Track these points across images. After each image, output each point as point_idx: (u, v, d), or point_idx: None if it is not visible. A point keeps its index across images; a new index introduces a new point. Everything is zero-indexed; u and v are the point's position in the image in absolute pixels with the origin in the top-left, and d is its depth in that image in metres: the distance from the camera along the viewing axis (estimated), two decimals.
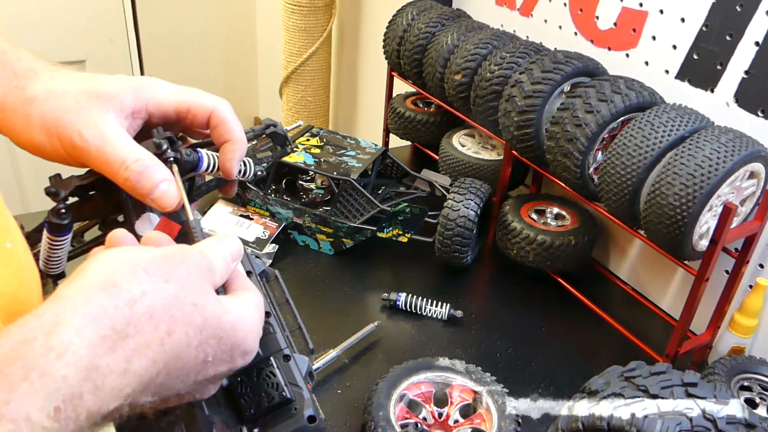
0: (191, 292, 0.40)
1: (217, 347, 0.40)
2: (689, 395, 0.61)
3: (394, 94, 1.51)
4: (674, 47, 0.99)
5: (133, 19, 2.33)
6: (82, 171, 0.56)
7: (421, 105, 1.49)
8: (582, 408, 0.64)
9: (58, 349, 0.33)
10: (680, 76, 0.99)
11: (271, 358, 0.48)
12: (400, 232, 1.12)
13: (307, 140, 1.22)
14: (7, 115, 0.52)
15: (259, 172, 0.66)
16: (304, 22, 2.07)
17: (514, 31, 1.28)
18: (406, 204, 1.10)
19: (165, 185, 0.51)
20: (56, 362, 0.32)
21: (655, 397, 0.61)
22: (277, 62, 2.31)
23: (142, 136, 0.55)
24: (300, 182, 1.21)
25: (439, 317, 1.03)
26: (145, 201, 0.51)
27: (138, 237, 0.52)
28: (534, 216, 1.13)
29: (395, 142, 1.55)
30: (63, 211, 0.52)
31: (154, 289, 0.38)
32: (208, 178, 0.66)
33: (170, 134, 0.55)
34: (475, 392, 0.81)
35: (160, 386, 0.38)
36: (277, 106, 2.39)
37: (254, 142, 0.68)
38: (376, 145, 1.24)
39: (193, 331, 0.39)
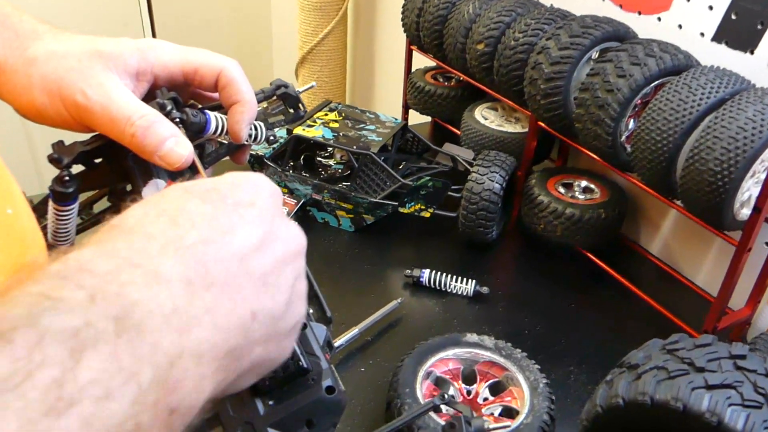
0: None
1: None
2: (738, 368, 0.57)
3: (413, 69, 1.47)
4: (710, 8, 0.94)
5: (147, 2, 2.30)
6: (86, 137, 0.54)
7: (441, 79, 1.45)
8: (622, 383, 0.61)
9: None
10: (717, 38, 0.94)
11: None
12: (423, 207, 1.08)
13: (326, 115, 1.18)
14: (8, 77, 0.50)
15: (271, 137, 0.63)
16: (320, 0, 2.03)
17: None
18: (429, 178, 1.06)
19: (172, 141, 0.48)
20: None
21: (701, 370, 0.57)
22: (292, 43, 2.27)
23: (148, 101, 0.52)
24: (318, 158, 1.18)
25: (465, 294, 0.99)
26: (153, 159, 0.49)
27: None
28: (561, 189, 1.08)
29: (415, 118, 1.51)
30: (67, 178, 0.49)
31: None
32: (218, 145, 0.63)
33: (174, 94, 0.53)
34: (505, 369, 0.78)
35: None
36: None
37: (265, 105, 0.65)
38: (396, 119, 1.20)
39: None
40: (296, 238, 0.38)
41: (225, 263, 0.33)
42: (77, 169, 0.52)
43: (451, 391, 0.77)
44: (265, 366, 0.37)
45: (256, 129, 0.62)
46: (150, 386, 0.26)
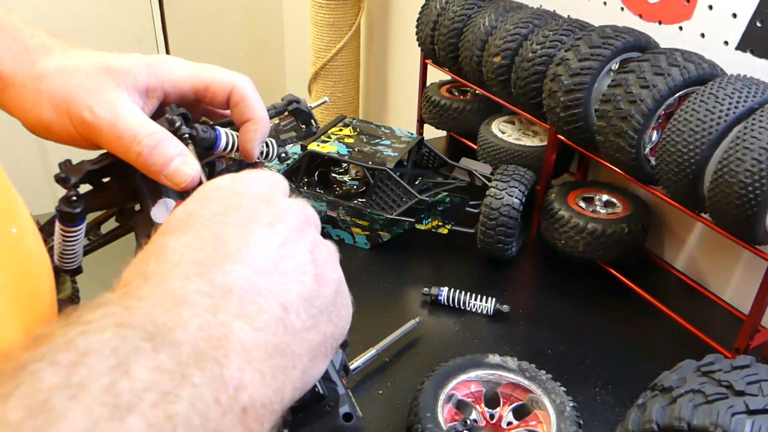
0: None
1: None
2: None
3: (427, 83, 1.45)
4: (734, 16, 0.91)
5: (161, 20, 2.32)
6: (94, 154, 0.53)
7: (456, 93, 1.43)
8: (655, 407, 0.58)
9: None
10: (741, 46, 0.91)
11: None
12: (440, 224, 1.06)
13: (340, 130, 1.17)
14: (17, 91, 0.50)
15: (283, 155, 0.62)
16: (333, 16, 2.02)
17: (555, 10, 1.21)
18: (446, 193, 1.04)
19: (179, 160, 0.47)
20: None
21: (741, 393, 0.54)
22: (305, 59, 2.27)
23: (158, 117, 0.51)
24: (333, 174, 1.16)
25: (485, 312, 0.96)
26: (159, 178, 0.47)
27: (154, 224, 0.48)
28: (582, 204, 1.06)
29: (429, 133, 1.49)
30: (74, 198, 0.48)
31: None
32: (228, 162, 0.62)
33: (184, 110, 0.51)
34: (530, 391, 0.75)
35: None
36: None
37: (276, 121, 0.63)
38: (411, 134, 1.18)
39: None
40: (295, 212, 0.37)
41: (232, 272, 0.32)
42: (85, 188, 0.51)
43: (474, 415, 0.74)
44: (335, 338, 0.36)
45: (267, 146, 0.60)
46: (204, 385, 0.26)
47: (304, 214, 0.38)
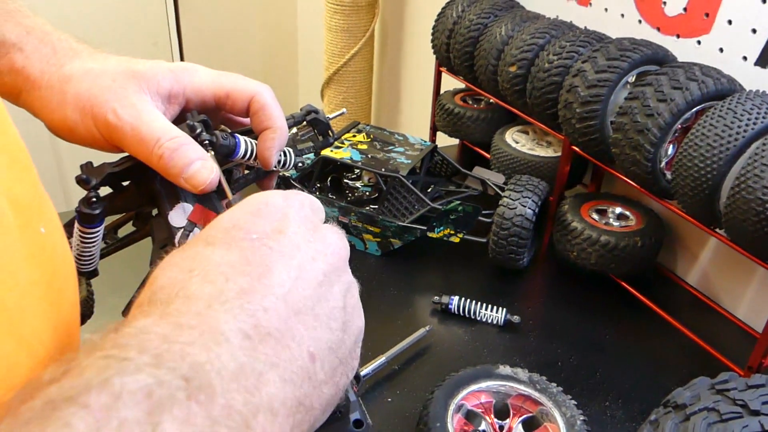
0: None
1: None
2: None
3: (441, 91, 1.45)
4: (754, 31, 0.91)
5: (176, 23, 2.33)
6: (114, 158, 0.53)
7: (470, 102, 1.43)
8: (668, 423, 0.57)
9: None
10: (761, 62, 0.90)
11: None
12: (452, 232, 1.06)
13: (353, 136, 1.17)
14: (43, 93, 0.51)
15: (299, 164, 0.62)
16: (347, 21, 2.03)
17: (572, 21, 1.21)
18: (459, 202, 1.04)
19: (199, 164, 0.48)
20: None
21: (756, 413, 0.53)
22: (318, 64, 2.27)
23: (179, 123, 0.52)
24: (346, 180, 1.16)
25: (495, 322, 0.96)
26: (178, 181, 0.48)
27: (172, 228, 0.48)
28: (595, 216, 1.05)
29: (442, 141, 1.49)
30: (94, 199, 0.49)
31: None
32: (246, 170, 0.62)
33: (205, 117, 0.52)
34: (540, 403, 0.74)
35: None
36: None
37: (294, 131, 0.64)
38: (425, 142, 1.18)
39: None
40: (335, 249, 0.36)
41: (272, 310, 0.30)
42: (104, 191, 0.51)
43: (483, 426, 0.74)
44: (343, 390, 0.35)
45: (285, 155, 0.61)
46: None
47: (345, 249, 0.37)
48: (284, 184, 1.12)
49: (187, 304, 0.29)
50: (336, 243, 0.36)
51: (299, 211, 0.36)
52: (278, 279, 0.32)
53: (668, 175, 0.89)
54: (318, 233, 0.36)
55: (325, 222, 0.39)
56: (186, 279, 0.31)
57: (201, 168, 0.48)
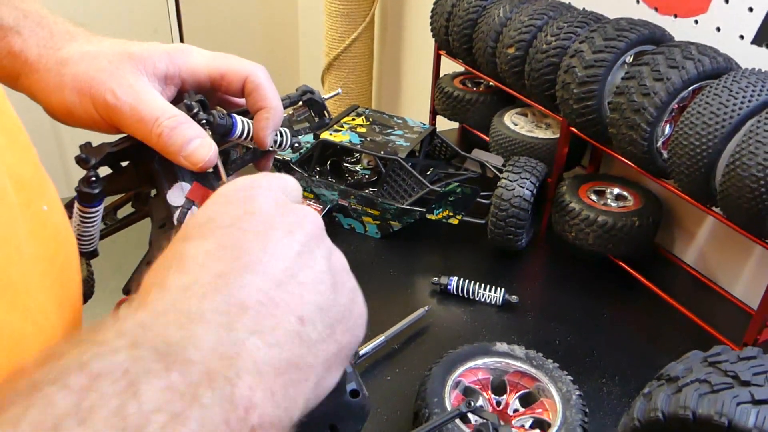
0: None
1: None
2: None
3: (440, 75, 1.46)
4: (750, 10, 0.91)
5: (176, 9, 2.33)
6: (113, 139, 0.54)
7: (469, 84, 1.43)
8: (661, 396, 0.58)
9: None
10: (757, 41, 0.91)
11: None
12: (451, 214, 1.06)
13: (353, 120, 1.17)
14: (41, 75, 0.51)
15: (296, 144, 0.63)
16: (347, 6, 2.02)
17: (569, 2, 1.21)
18: (457, 184, 1.04)
19: (198, 141, 0.49)
20: None
21: (746, 384, 0.54)
22: (318, 50, 2.27)
23: (176, 104, 0.53)
24: (345, 163, 1.17)
25: (493, 302, 0.97)
26: (177, 159, 0.49)
27: (170, 207, 0.49)
28: (593, 197, 1.06)
29: (442, 124, 1.49)
30: (93, 179, 0.50)
31: None
32: (243, 151, 0.63)
33: (202, 97, 0.53)
34: (537, 380, 0.75)
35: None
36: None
37: (290, 112, 0.65)
38: (424, 125, 1.19)
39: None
40: (310, 219, 0.37)
41: (249, 286, 0.31)
42: (104, 172, 0.52)
43: (480, 402, 0.75)
44: (348, 349, 0.36)
45: (281, 135, 0.61)
46: (214, 406, 0.26)
47: (320, 221, 0.37)
48: (284, 167, 1.13)
49: (162, 294, 0.30)
50: (310, 214, 0.37)
51: (268, 192, 0.37)
52: (254, 257, 0.32)
53: (665, 155, 0.89)
54: (289, 208, 0.37)
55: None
56: (163, 274, 0.32)
57: (200, 145, 0.49)
